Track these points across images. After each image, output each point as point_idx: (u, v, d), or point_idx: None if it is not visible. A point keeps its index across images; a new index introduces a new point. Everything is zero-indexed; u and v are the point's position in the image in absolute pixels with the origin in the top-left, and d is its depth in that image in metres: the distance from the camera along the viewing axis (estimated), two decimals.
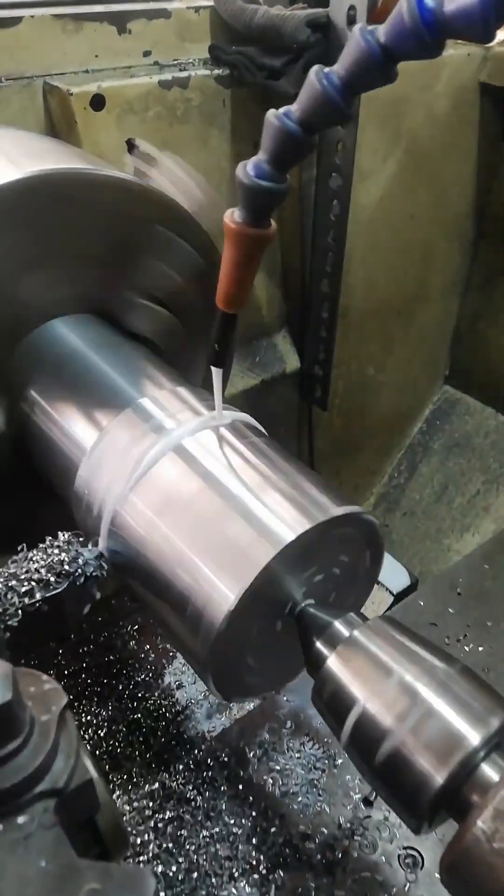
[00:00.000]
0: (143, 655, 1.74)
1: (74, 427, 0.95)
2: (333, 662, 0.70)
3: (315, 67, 0.64)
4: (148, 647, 1.76)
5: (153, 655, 1.73)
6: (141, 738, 1.36)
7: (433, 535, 2.45)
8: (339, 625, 0.73)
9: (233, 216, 0.72)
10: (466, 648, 1.22)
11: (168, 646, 1.76)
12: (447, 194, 2.07)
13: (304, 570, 0.77)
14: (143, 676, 1.68)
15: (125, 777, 1.26)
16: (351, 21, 1.48)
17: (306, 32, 1.48)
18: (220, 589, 0.71)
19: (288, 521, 0.74)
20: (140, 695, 1.62)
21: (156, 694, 1.62)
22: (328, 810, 1.01)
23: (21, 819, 0.54)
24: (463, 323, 2.44)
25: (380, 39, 0.60)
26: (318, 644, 0.73)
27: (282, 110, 0.66)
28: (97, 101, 1.40)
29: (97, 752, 1.29)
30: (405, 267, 2.11)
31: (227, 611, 0.70)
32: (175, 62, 1.59)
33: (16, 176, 0.94)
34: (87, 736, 1.33)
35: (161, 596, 0.80)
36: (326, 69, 0.63)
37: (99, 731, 1.36)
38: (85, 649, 1.70)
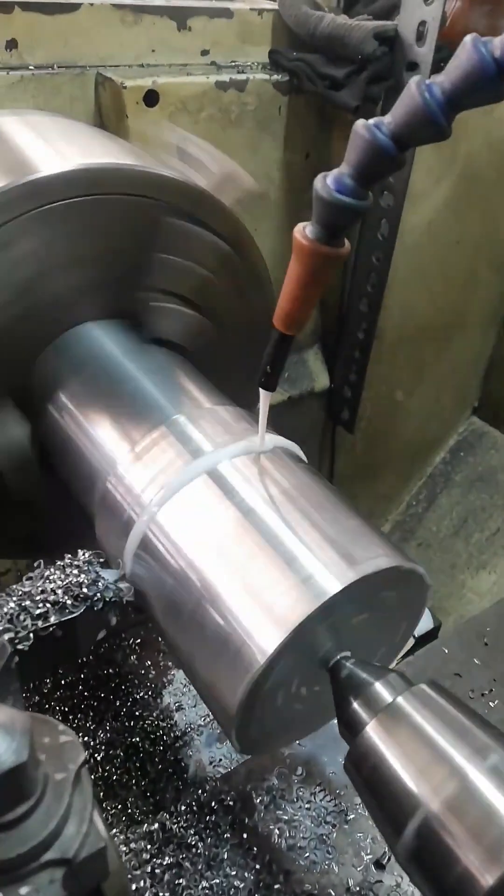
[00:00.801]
0: (143, 671, 1.68)
1: (105, 438, 0.89)
2: (374, 730, 0.64)
3: (416, 78, 0.58)
4: (149, 662, 1.69)
5: (154, 672, 1.67)
6: (138, 764, 1.30)
7: (447, 569, 2.38)
8: (380, 687, 0.67)
9: (304, 231, 0.66)
10: (491, 704, 1.15)
11: (170, 663, 1.69)
12: (496, 223, 2.01)
13: (342, 620, 0.70)
14: (141, 694, 1.61)
15: (119, 807, 1.20)
16: (420, 37, 1.43)
17: (373, 45, 1.43)
18: (255, 638, 0.65)
19: (333, 569, 0.67)
20: (138, 713, 1.55)
21: (154, 714, 1.55)
22: (336, 870, 0.94)
23: (24, 890, 0.48)
24: (498, 354, 2.37)
25: (494, 53, 0.54)
26: (356, 706, 0.67)
27: (372, 121, 0.61)
28: (151, 97, 1.36)
29: (92, 777, 1.22)
30: (446, 293, 2.05)
31: (263, 662, 0.64)
32: (233, 64, 1.54)
33: (61, 168, 0.89)
34: None
35: (186, 633, 0.73)
36: (428, 80, 0.58)
37: (96, 755, 1.29)
38: (83, 660, 1.64)
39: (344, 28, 1.45)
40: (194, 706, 1.58)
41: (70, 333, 0.96)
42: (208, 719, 1.53)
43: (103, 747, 1.30)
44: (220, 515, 0.74)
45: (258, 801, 1.01)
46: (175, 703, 1.59)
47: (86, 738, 1.31)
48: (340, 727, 0.69)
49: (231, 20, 1.50)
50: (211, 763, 1.38)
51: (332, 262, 0.67)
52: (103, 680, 1.62)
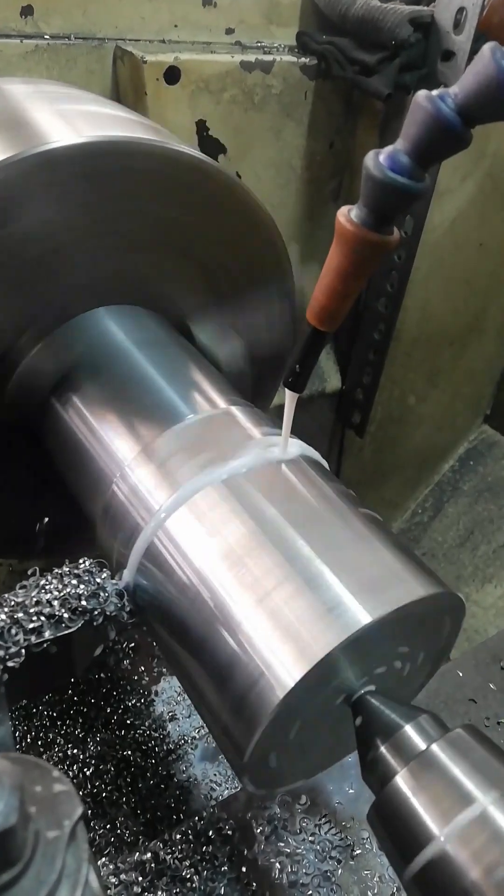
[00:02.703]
0: (136, 677, 1.61)
1: (112, 435, 0.81)
2: (406, 781, 0.57)
3: (491, 44, 0.51)
4: (143, 668, 1.62)
5: (147, 679, 1.60)
6: (129, 780, 1.23)
7: (452, 581, 2.30)
8: (410, 731, 0.60)
9: (349, 215, 0.59)
10: None
11: (164, 669, 1.62)
12: None
13: (368, 651, 0.63)
14: (133, 701, 1.54)
15: (108, 826, 1.12)
16: (458, 24, 1.35)
17: (408, 30, 1.35)
18: (275, 669, 0.58)
19: (363, 598, 0.60)
20: (129, 722, 1.48)
21: (146, 723, 1.48)
22: None
23: None
24: None
25: None
26: (384, 750, 0.60)
27: (436, 92, 0.53)
28: (172, 74, 1.28)
29: (81, 793, 1.15)
30: (465, 296, 1.98)
31: (282, 698, 0.57)
32: (258, 44, 1.46)
33: (72, 141, 0.82)
34: (71, 773, 1.19)
35: (195, 655, 0.66)
36: None
37: (85, 770, 1.22)
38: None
39: (378, 11, 1.37)
40: (188, 716, 1.51)
41: (79, 319, 0.89)
42: (203, 731, 1.46)
43: (93, 761, 1.23)
44: (236, 528, 0.67)
45: (258, 831, 0.94)
46: (168, 713, 1.53)
47: (74, 751, 1.25)
48: (364, 772, 0.62)
49: None
50: (205, 780, 1.31)
51: (378, 251, 0.60)
52: (94, 685, 1.55)
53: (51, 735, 1.39)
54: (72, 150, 0.81)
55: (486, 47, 0.51)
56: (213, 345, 0.99)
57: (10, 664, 0.65)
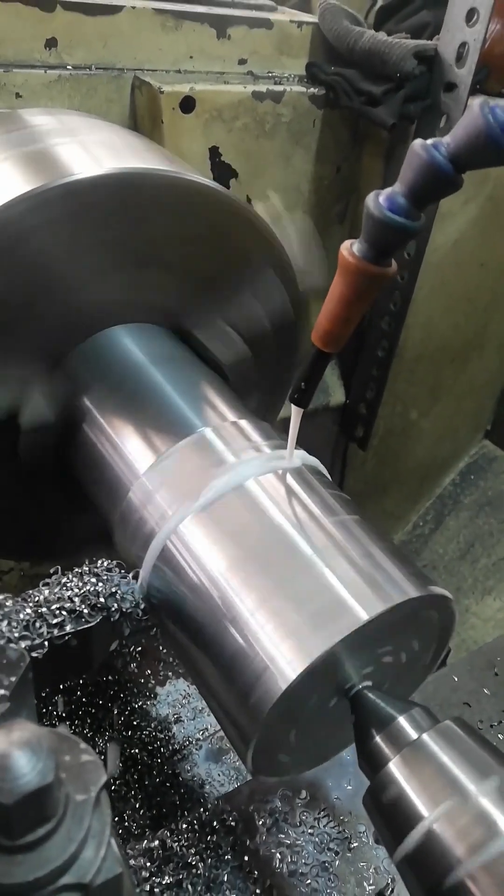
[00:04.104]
0: (142, 680, 1.66)
1: (128, 445, 0.87)
2: (398, 766, 0.62)
3: (480, 99, 0.57)
4: (149, 671, 1.67)
5: (153, 682, 1.65)
6: (136, 776, 1.27)
7: (452, 593, 2.33)
8: (403, 722, 0.65)
9: (351, 249, 0.65)
10: (500, 736, 1.13)
11: (170, 673, 1.67)
12: None
13: (367, 648, 0.69)
14: (140, 703, 1.59)
15: (116, 819, 1.17)
16: (460, 58, 1.42)
17: (412, 63, 1.42)
18: (278, 663, 0.63)
19: (361, 597, 0.65)
20: (135, 723, 1.53)
21: (152, 725, 1.53)
22: None
23: None
24: None
25: None
26: (379, 740, 0.65)
27: (430, 141, 0.59)
28: (187, 103, 1.35)
29: None
30: (467, 314, 2.04)
31: (284, 688, 0.62)
32: (269, 75, 1.53)
33: (95, 172, 0.88)
34: None
35: (204, 650, 0.72)
36: (493, 103, 0.56)
37: None
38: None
39: (383, 45, 1.44)
40: (193, 719, 1.56)
41: (98, 336, 0.95)
42: (206, 734, 1.51)
43: (102, 758, 1.27)
44: (245, 533, 0.73)
45: (260, 822, 0.99)
46: (174, 715, 1.57)
47: None
48: (360, 760, 0.67)
49: (270, 31, 1.49)
50: (209, 780, 1.35)
51: (378, 282, 0.66)
52: (102, 687, 1.60)
53: None
54: (96, 181, 0.87)
55: (475, 102, 0.57)
56: (214, 344, 1.04)
57: (34, 654, 0.71)
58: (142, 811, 1.21)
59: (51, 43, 1.30)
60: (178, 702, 1.61)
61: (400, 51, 1.44)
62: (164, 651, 1.68)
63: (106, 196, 0.87)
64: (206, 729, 1.52)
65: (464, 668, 1.24)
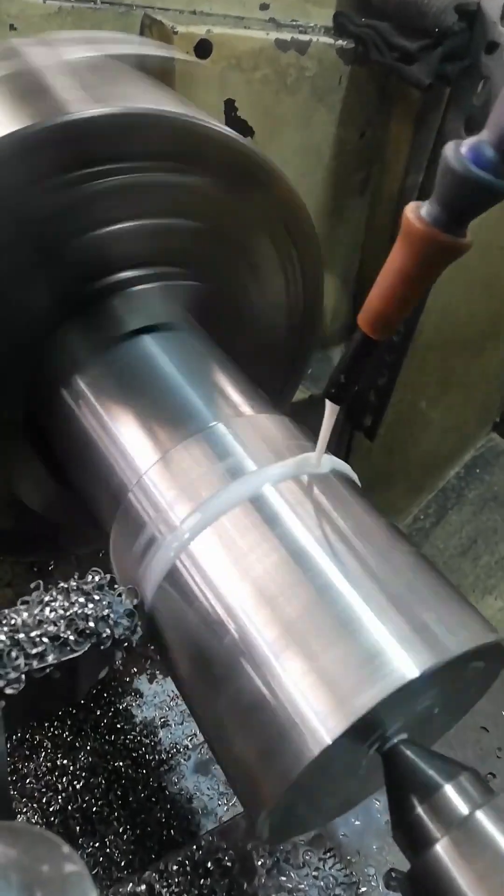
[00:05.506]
0: (127, 679, 1.55)
1: (128, 438, 0.75)
2: (447, 850, 0.51)
3: None
4: (135, 669, 1.56)
5: (138, 681, 1.54)
6: (119, 793, 1.17)
7: None
8: (451, 791, 0.54)
9: (418, 212, 0.52)
10: None
11: (157, 672, 1.57)
12: None
13: (409, 701, 0.57)
14: (124, 704, 1.48)
15: (98, 845, 1.06)
16: None
17: (453, 18, 1.28)
18: (310, 722, 0.52)
19: (409, 647, 0.54)
20: (119, 726, 1.42)
21: (137, 728, 1.43)
22: None
23: None
24: None
25: None
26: (421, 812, 0.54)
27: None
28: (203, 47, 1.20)
29: (70, 808, 1.09)
30: (484, 300, 1.92)
31: (317, 754, 0.50)
32: (293, 23, 1.38)
33: (100, 111, 0.75)
34: (60, 786, 1.13)
35: (215, 693, 0.60)
36: None
37: (75, 783, 1.15)
38: None
39: None
40: (181, 723, 1.46)
41: (100, 308, 0.82)
42: (195, 741, 1.41)
43: (84, 774, 1.17)
44: (266, 556, 0.61)
45: (259, 863, 0.89)
46: (160, 718, 1.47)
47: (64, 762, 1.18)
48: (397, 833, 0.56)
49: None
50: (197, 794, 1.25)
51: (448, 256, 0.53)
52: None
53: (38, 737, 1.33)
54: (95, 122, 0.74)
55: None
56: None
57: (8, 691, 0.59)
58: (125, 836, 1.10)
59: None
60: (165, 703, 1.51)
61: (439, 3, 1.29)
62: (152, 647, 1.58)
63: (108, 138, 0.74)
64: (195, 735, 1.42)
65: None
